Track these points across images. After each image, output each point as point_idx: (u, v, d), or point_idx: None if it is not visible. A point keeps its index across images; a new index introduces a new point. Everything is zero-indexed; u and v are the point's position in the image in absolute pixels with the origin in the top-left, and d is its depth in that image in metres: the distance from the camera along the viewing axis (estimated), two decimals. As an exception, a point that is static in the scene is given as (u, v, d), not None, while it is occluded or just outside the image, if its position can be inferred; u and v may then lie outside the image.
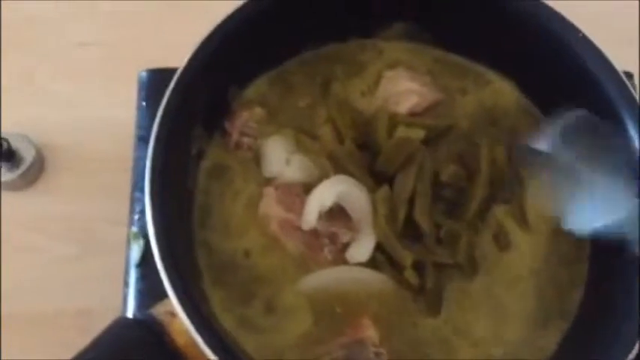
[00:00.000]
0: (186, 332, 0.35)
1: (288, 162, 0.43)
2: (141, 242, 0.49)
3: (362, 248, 0.41)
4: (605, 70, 0.41)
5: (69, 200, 0.55)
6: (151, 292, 0.47)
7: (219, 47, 0.41)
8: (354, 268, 0.41)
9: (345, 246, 0.42)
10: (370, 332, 0.38)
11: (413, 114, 0.45)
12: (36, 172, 0.56)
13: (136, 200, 0.50)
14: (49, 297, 0.52)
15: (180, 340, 0.36)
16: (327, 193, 0.41)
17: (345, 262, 0.41)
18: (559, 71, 0.43)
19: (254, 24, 0.42)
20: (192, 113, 0.41)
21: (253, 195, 0.44)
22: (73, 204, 0.55)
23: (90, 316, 0.51)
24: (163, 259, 0.35)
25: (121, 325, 0.37)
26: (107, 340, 0.35)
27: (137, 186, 0.51)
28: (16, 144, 0.54)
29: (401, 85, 0.46)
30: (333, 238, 0.41)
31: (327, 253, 0.41)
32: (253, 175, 0.44)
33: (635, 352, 0.35)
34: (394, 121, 0.44)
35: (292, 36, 0.46)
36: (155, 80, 0.53)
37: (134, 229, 0.50)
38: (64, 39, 0.61)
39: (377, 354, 0.37)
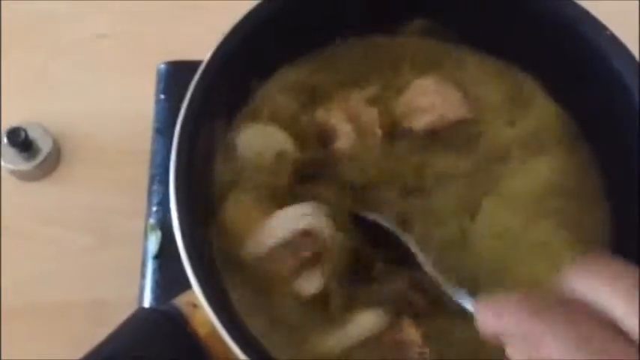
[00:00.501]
0: (209, 323, 0.35)
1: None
2: (158, 234, 0.49)
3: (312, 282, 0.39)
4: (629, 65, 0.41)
5: (85, 191, 0.55)
6: (167, 283, 0.47)
7: (243, 40, 0.41)
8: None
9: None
10: (412, 332, 0.38)
11: (433, 131, 0.44)
12: (52, 162, 0.56)
13: (154, 192, 0.51)
14: (64, 288, 0.52)
15: (202, 331, 0.36)
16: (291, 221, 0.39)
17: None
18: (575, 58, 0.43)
19: (276, 18, 0.42)
20: (215, 105, 0.41)
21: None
22: (89, 195, 0.55)
23: (105, 308, 0.51)
24: (187, 248, 0.35)
25: (142, 315, 0.37)
26: (129, 331, 0.36)
27: (155, 178, 0.51)
28: (33, 134, 0.54)
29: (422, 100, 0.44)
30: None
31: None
32: None
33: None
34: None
35: (313, 31, 0.46)
36: (174, 73, 0.53)
37: (152, 220, 0.50)
38: (81, 31, 0.61)
39: (420, 354, 0.37)
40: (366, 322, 0.38)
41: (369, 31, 0.48)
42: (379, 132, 0.44)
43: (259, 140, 0.43)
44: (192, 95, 0.38)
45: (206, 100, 0.39)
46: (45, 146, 0.55)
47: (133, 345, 0.35)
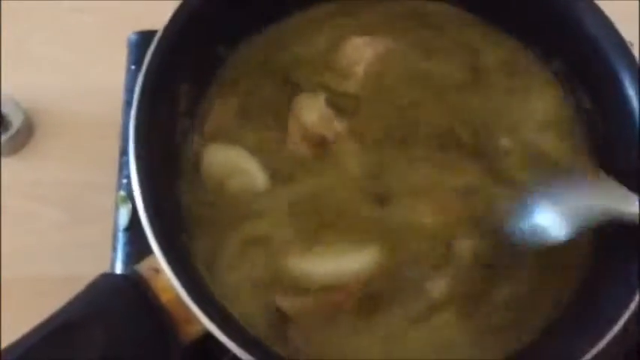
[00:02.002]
0: (171, 288, 0.34)
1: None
2: (129, 206, 0.48)
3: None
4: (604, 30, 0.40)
5: (57, 166, 0.54)
6: (138, 255, 0.46)
7: (203, 5, 0.40)
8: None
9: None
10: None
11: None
12: (24, 137, 0.55)
13: (124, 164, 0.50)
14: (38, 263, 0.51)
15: (164, 297, 0.35)
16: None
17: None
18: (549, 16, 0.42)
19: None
20: (177, 70, 0.40)
21: None
22: (62, 170, 0.54)
23: (80, 282, 0.49)
24: (147, 211, 0.34)
25: (104, 280, 0.36)
26: (90, 295, 0.35)
27: (125, 150, 0.50)
28: (4, 109, 0.53)
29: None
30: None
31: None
32: None
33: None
34: None
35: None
36: (145, 43, 0.50)
37: (122, 193, 0.49)
38: (55, 5, 0.60)
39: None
40: None
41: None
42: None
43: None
44: (151, 58, 0.37)
45: (166, 64, 0.38)
46: (16, 120, 0.54)
47: (91, 310, 0.34)
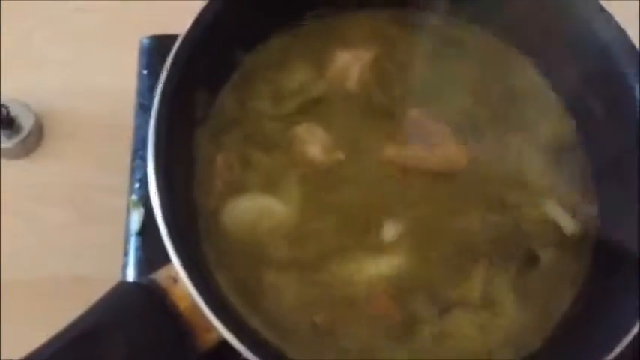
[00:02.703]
0: (188, 297, 0.34)
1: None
2: (141, 210, 0.48)
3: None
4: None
5: (68, 168, 0.54)
6: (150, 260, 0.46)
7: (223, 9, 0.40)
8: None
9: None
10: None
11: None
12: (35, 139, 0.55)
13: (136, 168, 0.50)
14: (47, 264, 0.52)
15: (181, 305, 0.35)
16: None
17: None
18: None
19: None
20: (196, 76, 0.40)
21: None
22: (72, 172, 0.54)
23: (87, 284, 0.49)
24: (166, 221, 0.35)
25: (122, 289, 0.36)
26: (108, 304, 0.35)
27: (137, 154, 0.50)
28: (15, 111, 0.53)
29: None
30: None
31: None
32: None
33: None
34: None
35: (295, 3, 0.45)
36: (157, 47, 0.52)
37: (134, 197, 0.49)
38: (63, 5, 0.59)
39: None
40: None
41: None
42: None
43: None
44: (171, 67, 0.37)
45: (185, 72, 0.38)
46: (27, 123, 0.54)
47: (111, 318, 0.34)
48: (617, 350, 0.34)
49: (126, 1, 0.59)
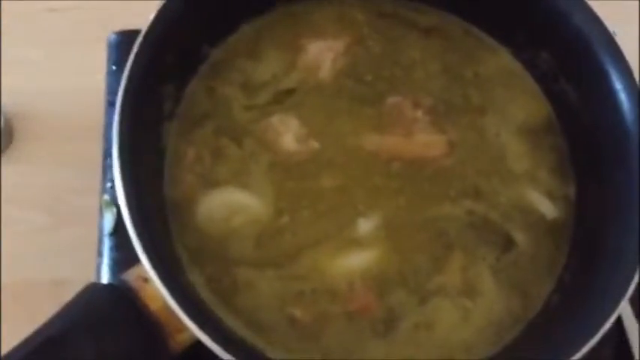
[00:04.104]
0: (159, 297, 0.33)
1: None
2: (114, 210, 0.47)
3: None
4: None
5: (39, 170, 0.53)
6: (124, 261, 0.45)
7: (187, 1, 0.39)
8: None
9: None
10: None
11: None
12: (4, 141, 0.54)
13: (107, 168, 0.49)
14: (22, 268, 0.50)
15: (152, 305, 0.34)
16: None
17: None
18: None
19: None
20: (161, 70, 0.39)
21: None
22: (44, 173, 0.53)
23: (64, 287, 0.49)
24: (133, 220, 0.34)
25: (92, 290, 0.35)
26: (78, 306, 0.34)
27: (108, 153, 0.49)
28: (-18, 113, 0.52)
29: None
30: None
31: None
32: None
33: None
34: None
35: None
36: (125, 43, 0.50)
37: (106, 197, 0.48)
38: (32, 5, 0.58)
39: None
40: None
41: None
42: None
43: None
44: (134, 62, 0.37)
45: (149, 66, 0.37)
46: (-5, 125, 0.53)
47: (80, 322, 0.33)
48: (595, 340, 0.33)
49: (89, 2, 0.58)
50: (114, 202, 0.47)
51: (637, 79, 0.39)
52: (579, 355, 0.33)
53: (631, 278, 0.34)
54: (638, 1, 0.55)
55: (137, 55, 0.38)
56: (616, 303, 0.34)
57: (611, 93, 0.39)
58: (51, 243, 0.51)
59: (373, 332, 0.39)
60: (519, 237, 0.41)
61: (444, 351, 0.38)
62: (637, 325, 0.44)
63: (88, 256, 0.48)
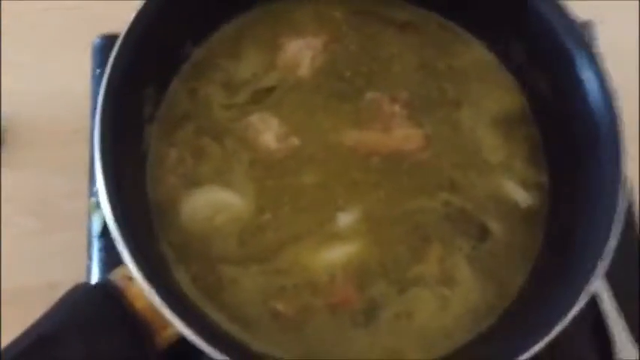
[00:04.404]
0: (144, 295, 0.34)
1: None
2: (101, 213, 0.48)
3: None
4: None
5: (28, 175, 0.54)
6: (113, 262, 0.45)
7: (166, 3, 0.40)
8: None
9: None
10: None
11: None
12: (-3, 146, 0.54)
13: (94, 171, 0.50)
14: (15, 272, 0.51)
15: (138, 304, 0.35)
16: None
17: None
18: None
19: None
20: (141, 73, 0.40)
21: None
22: (33, 178, 0.54)
23: (57, 290, 0.50)
24: (117, 222, 0.35)
25: (79, 290, 0.36)
26: (66, 306, 0.35)
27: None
28: (-29, 120, 0.53)
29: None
30: None
31: None
32: None
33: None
34: None
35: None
36: (109, 46, 0.50)
37: (94, 200, 0.49)
38: (24, 7, 0.59)
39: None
40: None
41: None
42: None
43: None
44: (113, 65, 0.37)
45: (129, 70, 0.38)
46: (-15, 132, 0.54)
47: (67, 321, 0.34)
48: (565, 323, 0.34)
49: (79, 4, 0.58)
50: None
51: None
52: (550, 337, 0.34)
53: (596, 265, 0.35)
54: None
55: (116, 58, 0.38)
56: (581, 289, 0.35)
57: (580, 83, 0.40)
58: (43, 247, 0.52)
59: (354, 323, 0.40)
60: (494, 226, 0.42)
61: (424, 339, 0.39)
62: (615, 307, 0.45)
63: (78, 258, 0.49)
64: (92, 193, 0.49)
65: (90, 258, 0.47)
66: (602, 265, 0.36)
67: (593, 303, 0.44)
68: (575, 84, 0.40)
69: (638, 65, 0.53)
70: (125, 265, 0.35)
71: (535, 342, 0.34)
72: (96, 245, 0.48)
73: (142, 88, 0.41)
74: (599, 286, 0.44)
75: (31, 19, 0.58)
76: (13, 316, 0.50)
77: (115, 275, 0.37)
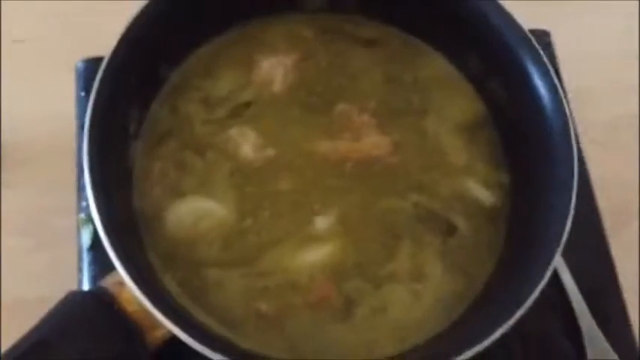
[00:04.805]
0: (135, 299, 0.37)
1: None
2: (90, 227, 0.50)
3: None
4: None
5: (20, 195, 0.56)
6: (102, 274, 0.47)
7: (146, 27, 0.43)
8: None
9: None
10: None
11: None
12: (-17, 170, 0.56)
13: (82, 188, 0.52)
14: (12, 288, 0.53)
15: (129, 308, 0.37)
16: None
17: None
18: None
19: (174, 7, 0.45)
20: (124, 95, 0.43)
21: None
22: (23, 197, 0.56)
23: (50, 303, 0.52)
24: (107, 232, 0.37)
25: (73, 297, 0.38)
26: (61, 312, 0.37)
27: (82, 174, 0.52)
28: (-40, 144, 0.55)
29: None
30: None
31: None
32: None
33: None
34: None
35: (217, 14, 0.48)
36: (92, 69, 0.53)
37: (82, 215, 0.51)
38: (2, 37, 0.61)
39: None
40: None
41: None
42: None
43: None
44: (98, 88, 0.40)
45: (112, 91, 0.41)
46: (-25, 156, 0.56)
47: (62, 327, 0.36)
48: (521, 312, 0.38)
49: (59, 30, 0.61)
50: (90, 219, 0.50)
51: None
52: (514, 319, 0.37)
53: (553, 254, 0.39)
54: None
55: (101, 82, 0.41)
56: (541, 276, 0.38)
57: (533, 89, 0.43)
58: (35, 263, 0.54)
59: (333, 319, 0.42)
60: (461, 223, 0.45)
61: (398, 330, 0.42)
62: (580, 296, 0.48)
63: (72, 272, 0.50)
64: (81, 208, 0.51)
65: (80, 270, 0.49)
66: (559, 253, 0.39)
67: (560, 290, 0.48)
68: (529, 91, 0.43)
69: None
70: (116, 271, 0.38)
71: (500, 325, 0.37)
72: (86, 258, 0.49)
73: (126, 108, 0.44)
74: (566, 279, 0.48)
75: (8, 49, 0.61)
76: (8, 330, 0.51)
77: (107, 282, 0.39)
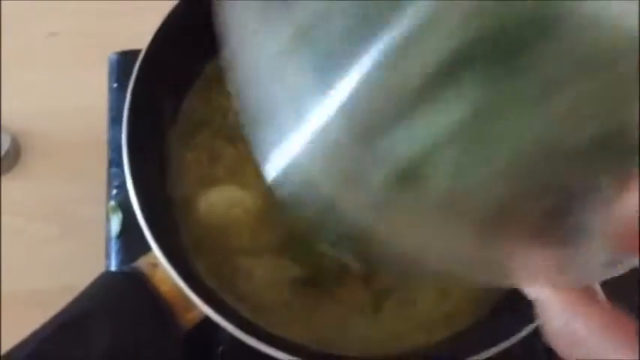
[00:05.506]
0: (168, 279, 0.37)
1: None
2: (119, 215, 0.51)
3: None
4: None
5: (46, 184, 0.57)
6: (131, 260, 0.48)
7: (181, 24, 0.44)
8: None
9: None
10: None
11: None
12: (12, 159, 0.57)
13: (112, 176, 0.53)
14: (36, 277, 0.54)
15: (162, 288, 0.38)
16: None
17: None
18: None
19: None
20: (161, 86, 0.44)
21: None
22: (51, 187, 0.57)
23: (75, 293, 0.53)
24: (144, 214, 0.38)
25: (106, 278, 0.39)
26: (94, 291, 0.38)
27: (113, 163, 0.53)
28: (-9, 133, 0.56)
29: None
30: None
31: None
32: None
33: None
34: None
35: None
36: (125, 62, 0.55)
37: (112, 203, 0.52)
38: (33, 30, 0.63)
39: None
40: None
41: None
42: None
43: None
44: (137, 79, 0.41)
45: (150, 82, 0.42)
46: (4, 144, 0.57)
47: (97, 303, 0.37)
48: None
49: (93, 24, 0.63)
50: (120, 206, 0.51)
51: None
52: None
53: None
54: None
55: (139, 70, 0.42)
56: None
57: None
58: (60, 252, 0.54)
59: (361, 312, 0.43)
60: None
61: (426, 325, 0.42)
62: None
63: (96, 262, 0.51)
64: (111, 197, 0.52)
65: (108, 258, 0.50)
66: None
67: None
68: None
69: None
70: (150, 253, 0.38)
71: (526, 324, 0.37)
72: (114, 246, 0.50)
73: (162, 99, 0.45)
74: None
75: (43, 42, 0.62)
76: (32, 318, 0.52)
77: (140, 262, 0.39)
